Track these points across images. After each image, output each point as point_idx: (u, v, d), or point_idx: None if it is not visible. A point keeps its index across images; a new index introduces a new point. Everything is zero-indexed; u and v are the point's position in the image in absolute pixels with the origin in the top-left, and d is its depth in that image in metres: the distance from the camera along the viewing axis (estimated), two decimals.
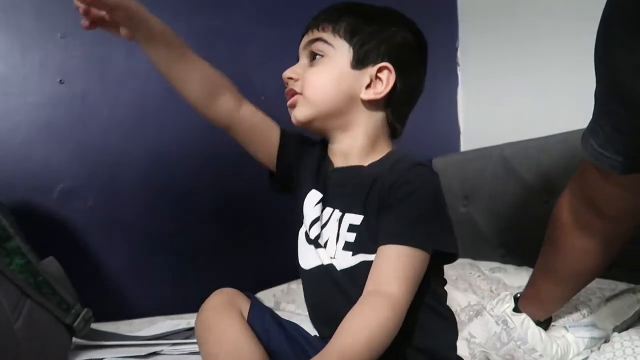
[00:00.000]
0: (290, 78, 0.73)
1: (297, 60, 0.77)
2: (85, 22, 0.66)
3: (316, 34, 0.73)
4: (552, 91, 1.46)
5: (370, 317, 0.60)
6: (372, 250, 0.66)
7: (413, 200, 0.65)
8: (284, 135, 0.76)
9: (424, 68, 0.78)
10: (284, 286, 1.25)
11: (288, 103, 0.74)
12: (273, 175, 0.79)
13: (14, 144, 1.17)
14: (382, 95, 0.72)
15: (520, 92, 1.58)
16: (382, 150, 0.74)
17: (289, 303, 1.13)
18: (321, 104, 0.72)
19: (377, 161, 0.73)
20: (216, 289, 0.70)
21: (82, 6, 0.64)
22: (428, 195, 0.67)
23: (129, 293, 1.24)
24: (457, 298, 1.05)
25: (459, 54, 1.80)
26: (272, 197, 0.86)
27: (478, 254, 1.40)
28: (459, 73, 1.79)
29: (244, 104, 0.74)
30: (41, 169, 1.18)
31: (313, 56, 0.73)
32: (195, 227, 1.32)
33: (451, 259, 0.70)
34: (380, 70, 0.71)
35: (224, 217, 1.37)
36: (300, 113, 0.72)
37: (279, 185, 0.79)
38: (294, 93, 0.73)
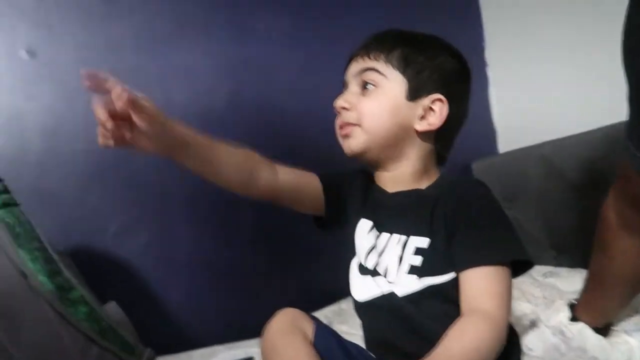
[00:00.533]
0: (344, 108, 0.74)
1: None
2: (108, 142, 0.60)
3: (368, 62, 0.73)
4: (588, 83, 1.42)
5: (469, 335, 0.60)
6: (439, 272, 0.67)
7: (482, 219, 0.66)
8: (324, 180, 0.77)
9: (469, 93, 0.78)
10: (335, 306, 1.26)
11: (342, 134, 0.75)
12: (320, 218, 0.79)
13: (68, 191, 1.23)
14: (436, 126, 0.72)
15: (554, 86, 1.54)
16: (433, 175, 0.75)
17: (342, 323, 1.14)
18: (377, 135, 0.72)
19: (433, 184, 0.74)
20: (270, 313, 0.71)
21: (109, 126, 0.58)
22: (493, 211, 0.68)
23: (186, 324, 1.28)
24: (512, 308, 1.03)
25: (486, 54, 1.77)
26: None
27: None
28: (489, 73, 1.77)
29: (279, 170, 0.74)
30: (95, 212, 1.24)
31: (364, 85, 0.74)
32: (244, 253, 1.36)
33: (525, 268, 0.70)
34: (433, 101, 0.72)
35: (273, 242, 1.39)
36: (355, 144, 0.73)
37: (327, 226, 0.80)
38: (348, 123, 0.73)
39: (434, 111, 0.72)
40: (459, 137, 1.84)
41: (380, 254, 0.71)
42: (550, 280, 1.14)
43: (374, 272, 0.71)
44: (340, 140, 0.76)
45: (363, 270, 0.73)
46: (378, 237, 0.72)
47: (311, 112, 1.43)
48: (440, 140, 0.75)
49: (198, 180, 1.31)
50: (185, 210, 1.31)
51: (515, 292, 1.09)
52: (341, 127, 0.75)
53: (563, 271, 1.20)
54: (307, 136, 1.46)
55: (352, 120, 0.73)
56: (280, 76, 1.45)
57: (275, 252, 1.39)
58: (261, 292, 1.34)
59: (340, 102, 0.74)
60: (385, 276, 0.70)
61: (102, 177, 1.25)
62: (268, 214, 1.40)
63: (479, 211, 0.67)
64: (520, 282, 1.13)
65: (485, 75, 1.78)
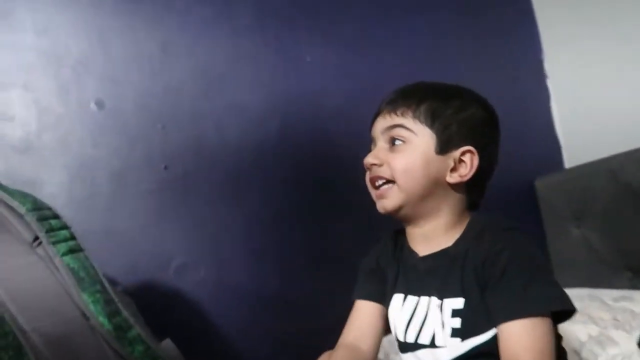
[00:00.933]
0: (374, 164, 0.75)
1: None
2: None
3: (395, 119, 0.74)
4: None
5: None
6: (482, 331, 0.66)
7: (514, 270, 0.64)
8: (370, 297, 0.81)
9: (499, 139, 0.78)
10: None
11: (376, 194, 0.76)
12: None
13: (135, 229, 1.31)
14: (468, 177, 0.73)
15: (621, 94, 1.45)
16: (463, 224, 0.75)
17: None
18: (412, 191, 0.73)
19: (461, 236, 0.73)
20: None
21: None
22: (525, 259, 0.66)
23: (242, 357, 1.31)
24: (576, 332, 0.97)
25: (545, 66, 1.71)
26: (369, 246, 0.90)
27: (600, 281, 1.29)
28: (549, 85, 1.70)
29: (364, 348, 0.79)
30: (158, 248, 1.31)
31: (393, 141, 0.74)
32: (304, 287, 1.37)
33: (568, 315, 0.67)
34: (463, 153, 0.73)
35: (333, 275, 1.40)
36: (390, 203, 0.74)
37: None
38: (379, 177, 0.74)
39: (465, 162, 0.73)
40: (522, 154, 1.78)
41: (422, 322, 0.71)
42: (623, 304, 1.06)
43: (415, 346, 0.71)
44: (374, 198, 0.77)
45: (403, 347, 0.74)
46: (417, 303, 0.73)
47: (362, 140, 1.44)
48: (473, 189, 0.76)
49: (253, 215, 1.38)
50: (243, 245, 1.36)
51: (580, 317, 1.03)
52: (373, 182, 0.76)
53: (638, 295, 1.10)
54: (360, 164, 1.47)
55: (385, 175, 0.74)
56: (330, 106, 1.48)
57: (336, 285, 1.38)
58: (321, 325, 1.34)
59: (370, 159, 0.75)
60: (431, 344, 0.69)
61: (164, 215, 1.33)
62: (328, 245, 1.42)
63: (510, 259, 0.65)
64: (587, 307, 1.06)
65: (545, 87, 1.71)
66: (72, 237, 0.83)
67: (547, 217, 1.51)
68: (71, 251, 0.80)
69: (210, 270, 1.32)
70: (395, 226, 0.85)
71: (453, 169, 0.73)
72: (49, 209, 0.84)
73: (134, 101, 1.36)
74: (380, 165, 0.74)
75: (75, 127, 1.32)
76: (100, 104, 1.34)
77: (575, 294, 1.15)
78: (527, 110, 1.69)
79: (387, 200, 0.74)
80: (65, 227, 0.83)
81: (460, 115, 0.74)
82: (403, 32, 1.58)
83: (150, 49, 1.39)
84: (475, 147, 0.73)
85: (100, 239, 1.27)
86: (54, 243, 0.78)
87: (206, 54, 1.42)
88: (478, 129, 0.74)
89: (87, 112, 1.33)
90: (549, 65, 1.71)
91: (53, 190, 1.27)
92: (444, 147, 0.72)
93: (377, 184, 0.75)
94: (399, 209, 0.74)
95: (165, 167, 1.35)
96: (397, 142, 0.74)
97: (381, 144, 0.76)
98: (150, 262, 1.30)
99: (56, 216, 0.83)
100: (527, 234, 0.69)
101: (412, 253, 0.77)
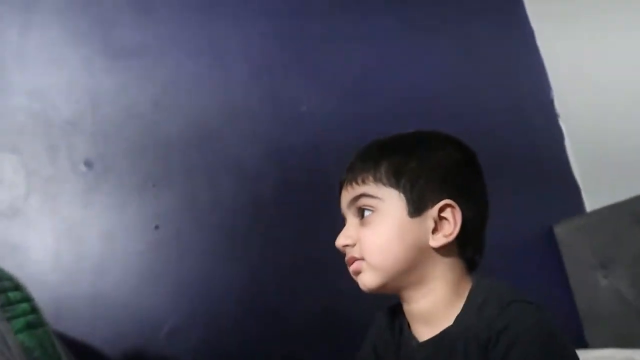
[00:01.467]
0: (346, 245, 0.66)
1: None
2: None
3: (357, 189, 0.66)
4: None
5: None
6: None
7: (519, 353, 0.54)
8: None
9: (483, 180, 0.68)
10: None
11: (351, 271, 0.67)
12: None
13: (124, 292, 1.24)
14: (454, 236, 0.63)
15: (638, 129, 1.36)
16: (464, 292, 0.64)
17: None
18: (389, 267, 0.63)
19: (461, 312, 0.62)
20: None
21: None
22: (533, 339, 0.55)
23: None
24: None
25: (556, 105, 1.63)
26: (375, 306, 0.81)
27: (634, 336, 1.14)
28: (562, 125, 1.61)
29: None
30: (148, 312, 1.23)
31: (362, 213, 0.66)
32: (300, 344, 1.28)
33: None
34: (442, 209, 0.63)
35: (332, 328, 1.30)
36: (368, 280, 0.65)
37: None
38: (355, 259, 0.66)
39: (447, 219, 0.63)
40: (538, 198, 1.67)
41: None
42: None
43: None
44: (354, 278, 0.67)
45: None
46: None
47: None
48: (465, 247, 0.65)
49: (251, 275, 1.30)
50: (240, 307, 1.27)
51: None
52: (349, 265, 0.67)
53: None
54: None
55: (357, 255, 0.65)
56: (329, 156, 1.41)
57: (344, 343, 1.28)
58: None
59: (340, 241, 0.67)
60: None
61: (155, 278, 1.25)
62: (332, 304, 1.32)
63: (515, 343, 0.54)
64: None
65: (558, 127, 1.63)
66: (33, 311, 0.76)
67: (570, 265, 1.38)
68: (29, 327, 0.73)
69: (204, 335, 1.23)
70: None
71: (435, 230, 0.63)
72: (9, 279, 0.78)
73: (125, 159, 1.32)
74: (353, 245, 0.66)
75: (64, 189, 1.28)
76: (89, 164, 1.30)
77: (608, 356, 1.02)
78: (541, 152, 1.61)
79: (363, 275, 0.65)
80: (25, 299, 0.76)
81: (426, 165, 0.64)
82: (402, 76, 1.53)
83: (142, 106, 1.36)
84: (454, 198, 0.63)
85: (87, 303, 1.20)
86: (9, 319, 0.71)
87: (199, 108, 1.39)
88: (452, 176, 0.65)
89: (77, 172, 1.29)
90: (559, 104, 1.63)
91: (39, 255, 1.21)
92: (417, 208, 0.63)
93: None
94: (382, 285, 0.65)
95: (157, 227, 1.28)
96: (367, 213, 0.65)
97: (350, 219, 0.68)
98: (140, 327, 1.21)
99: (16, 287, 0.77)
100: (533, 306, 0.58)
101: (412, 338, 0.66)
